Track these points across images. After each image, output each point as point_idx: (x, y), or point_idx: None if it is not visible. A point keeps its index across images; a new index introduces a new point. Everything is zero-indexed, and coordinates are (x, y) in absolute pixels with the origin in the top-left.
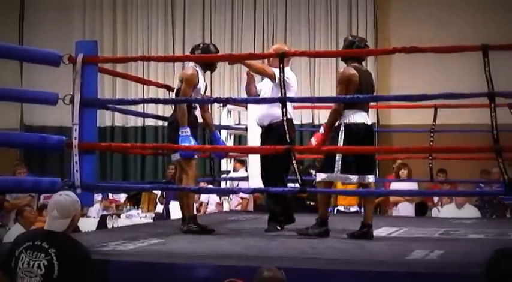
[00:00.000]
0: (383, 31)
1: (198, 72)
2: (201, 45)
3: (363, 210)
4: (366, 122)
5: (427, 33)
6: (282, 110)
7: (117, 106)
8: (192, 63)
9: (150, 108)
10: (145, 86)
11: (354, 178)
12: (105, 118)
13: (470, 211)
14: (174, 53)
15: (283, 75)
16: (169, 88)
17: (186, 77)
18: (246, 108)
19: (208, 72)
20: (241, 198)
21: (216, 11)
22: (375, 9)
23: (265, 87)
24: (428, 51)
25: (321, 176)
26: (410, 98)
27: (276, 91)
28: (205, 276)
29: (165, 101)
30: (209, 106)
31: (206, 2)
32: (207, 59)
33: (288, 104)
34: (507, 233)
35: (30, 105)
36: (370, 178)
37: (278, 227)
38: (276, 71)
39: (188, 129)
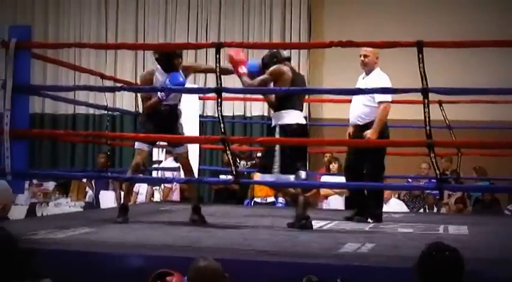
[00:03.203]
0: (317, 29)
1: (155, 72)
2: None
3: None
4: (300, 122)
5: (361, 31)
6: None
7: (50, 93)
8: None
9: (81, 96)
10: (76, 73)
11: (292, 177)
12: (34, 105)
13: (396, 205)
14: (106, 41)
15: (220, 65)
16: (102, 76)
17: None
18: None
19: None
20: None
21: (149, 2)
22: (309, 7)
23: None
24: (364, 46)
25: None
26: (344, 92)
27: None
28: (137, 266)
29: (99, 89)
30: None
31: None
32: (139, 47)
33: None
34: (435, 227)
35: None
36: (303, 174)
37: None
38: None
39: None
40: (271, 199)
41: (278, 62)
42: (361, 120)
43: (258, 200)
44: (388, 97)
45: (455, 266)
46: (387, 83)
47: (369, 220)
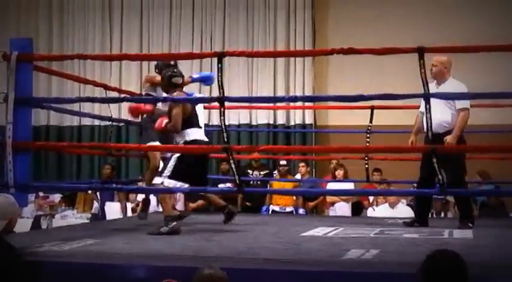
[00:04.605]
0: (321, 32)
1: None
2: None
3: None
4: (201, 138)
5: (364, 36)
6: None
7: (53, 105)
8: None
9: (86, 108)
10: (81, 85)
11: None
12: (40, 117)
13: (403, 210)
14: (111, 52)
15: (221, 75)
16: (106, 87)
17: None
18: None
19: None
20: None
21: (154, 12)
22: (313, 12)
23: None
24: (366, 52)
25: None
26: (348, 99)
27: None
28: (141, 277)
29: (101, 100)
30: None
31: (144, 3)
32: (141, 57)
33: None
34: (440, 232)
35: None
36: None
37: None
38: None
39: None
40: (289, 209)
41: (176, 86)
42: (443, 128)
43: (276, 208)
44: (467, 104)
45: (458, 272)
46: (462, 91)
47: (469, 224)
